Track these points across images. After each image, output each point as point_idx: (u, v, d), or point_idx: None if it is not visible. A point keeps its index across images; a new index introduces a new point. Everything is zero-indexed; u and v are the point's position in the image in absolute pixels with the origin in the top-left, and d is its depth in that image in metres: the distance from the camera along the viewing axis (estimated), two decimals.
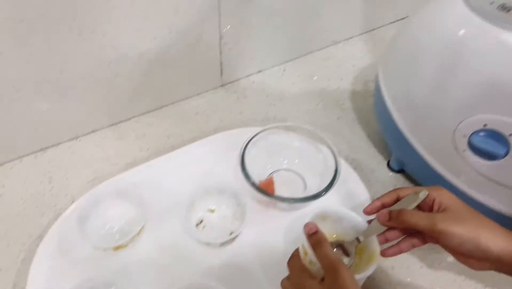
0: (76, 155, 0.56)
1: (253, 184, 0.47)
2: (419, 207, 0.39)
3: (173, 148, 0.55)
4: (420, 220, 0.37)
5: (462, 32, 0.43)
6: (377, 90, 0.54)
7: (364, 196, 0.50)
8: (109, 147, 0.57)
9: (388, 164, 0.57)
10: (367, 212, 0.41)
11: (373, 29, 0.78)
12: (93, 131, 0.58)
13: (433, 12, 0.47)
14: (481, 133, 0.42)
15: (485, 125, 0.42)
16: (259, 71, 0.69)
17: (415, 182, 0.55)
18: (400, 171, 0.56)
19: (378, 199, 0.41)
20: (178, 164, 0.52)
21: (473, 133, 0.42)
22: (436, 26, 0.46)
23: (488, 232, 0.35)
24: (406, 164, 0.54)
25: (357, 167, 0.56)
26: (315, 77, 0.69)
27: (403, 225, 0.38)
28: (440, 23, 0.45)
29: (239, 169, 0.48)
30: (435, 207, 0.38)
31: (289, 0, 0.62)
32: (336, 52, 0.74)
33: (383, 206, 0.41)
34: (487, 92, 0.41)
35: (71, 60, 0.49)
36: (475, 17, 0.42)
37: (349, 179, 0.52)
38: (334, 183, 0.47)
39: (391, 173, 0.56)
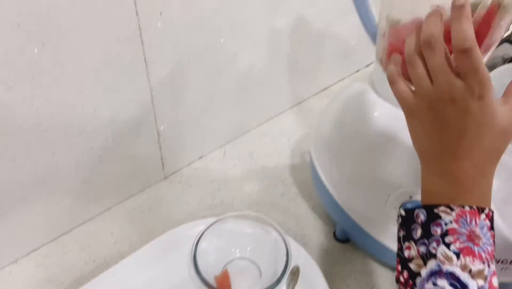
0: (18, 280, 0.53)
1: (208, 285, 0.47)
2: None
3: (121, 255, 0.54)
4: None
5: (375, 115, 0.48)
6: (312, 164, 0.58)
7: (319, 280, 0.51)
8: (52, 265, 0.55)
9: (334, 235, 0.60)
10: None
11: (301, 102, 0.84)
12: (33, 250, 0.56)
13: (348, 97, 0.52)
14: (408, 204, 0.46)
15: (410, 197, 0.46)
16: (200, 157, 0.71)
17: (362, 251, 0.57)
18: (347, 240, 0.59)
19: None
20: (127, 275, 0.51)
21: (401, 205, 0.46)
22: (351, 110, 0.51)
23: None
24: (350, 234, 0.57)
25: (306, 243, 0.58)
26: (255, 156, 0.72)
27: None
28: (354, 108, 0.50)
29: (192, 268, 0.48)
30: None
31: (219, 87, 0.65)
32: (271, 128, 0.78)
33: None
34: (409, 166, 0.45)
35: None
36: (383, 102, 0.48)
37: (300, 257, 0.53)
38: (288, 267, 0.49)
39: (338, 243, 0.59)
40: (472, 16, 0.36)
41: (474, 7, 0.38)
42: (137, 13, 0.49)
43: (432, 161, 0.37)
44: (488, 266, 0.32)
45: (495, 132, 0.34)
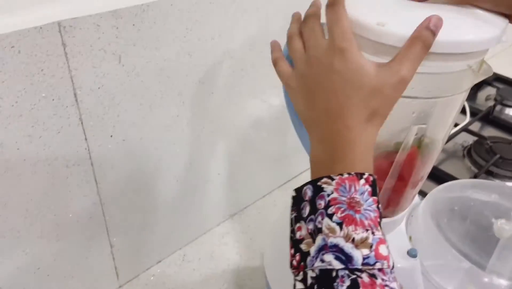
0: None
1: None
2: None
3: None
4: None
5: None
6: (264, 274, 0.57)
7: None
8: None
9: None
10: None
11: (265, 195, 0.84)
12: None
13: None
14: None
15: None
16: (159, 262, 0.70)
17: None
18: None
19: None
20: None
21: None
22: None
23: None
24: None
25: None
26: (215, 258, 0.71)
27: None
28: None
29: None
30: None
31: (176, 193, 0.65)
32: (233, 226, 0.78)
33: None
34: None
35: None
36: None
37: None
38: None
39: None
40: (395, 157, 0.38)
41: (397, 148, 0.40)
42: (86, 139, 0.50)
43: (311, 127, 0.36)
44: (373, 233, 0.30)
45: (364, 91, 0.33)
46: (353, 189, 0.31)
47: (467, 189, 0.52)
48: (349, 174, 0.31)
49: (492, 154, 0.91)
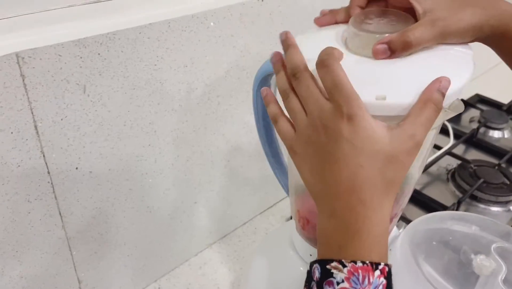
0: None
1: None
2: None
3: None
4: (425, 32, 0.33)
5: (296, 274, 0.46)
6: None
7: None
8: None
9: None
10: (320, 23, 0.38)
11: (245, 222, 0.81)
12: None
13: (269, 256, 0.51)
14: None
15: None
16: None
17: None
18: None
19: (331, 12, 0.37)
20: None
21: None
22: (272, 267, 0.49)
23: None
24: None
25: None
26: None
27: (409, 50, 0.33)
28: (275, 266, 0.49)
29: None
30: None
31: (151, 224, 0.63)
32: (211, 255, 0.75)
33: (336, 22, 0.38)
34: None
35: None
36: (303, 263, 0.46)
37: None
38: None
39: None
40: None
41: None
42: (48, 172, 0.47)
43: (320, 199, 0.32)
44: None
45: (378, 159, 0.30)
46: (366, 281, 0.28)
47: (447, 220, 0.51)
48: (363, 262, 0.29)
49: (476, 178, 0.90)
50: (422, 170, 0.41)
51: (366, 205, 0.30)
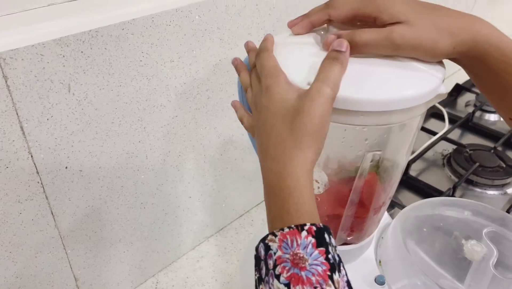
0: None
1: None
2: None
3: None
4: (375, 38, 0.34)
5: None
6: None
7: None
8: None
9: None
10: (292, 25, 0.40)
11: (242, 214, 0.82)
12: None
13: None
14: None
15: None
16: None
17: None
18: None
19: (306, 16, 0.39)
20: None
21: None
22: None
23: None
24: None
25: None
26: (190, 284, 0.69)
27: (357, 50, 0.35)
28: None
29: None
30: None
31: (144, 219, 0.63)
32: (209, 249, 0.75)
33: (313, 26, 0.39)
34: None
35: None
36: None
37: None
38: None
39: None
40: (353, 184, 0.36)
41: (355, 172, 0.38)
42: (38, 172, 0.47)
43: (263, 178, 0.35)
44: None
45: (287, 116, 0.32)
46: (295, 244, 0.29)
47: (439, 206, 0.51)
48: (289, 227, 0.29)
49: (472, 162, 0.90)
50: (408, 158, 0.41)
51: (276, 160, 0.32)
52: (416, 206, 0.50)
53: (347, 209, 0.38)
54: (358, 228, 0.41)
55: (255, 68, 0.38)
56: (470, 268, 0.44)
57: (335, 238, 0.42)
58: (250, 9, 0.60)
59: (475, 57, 0.35)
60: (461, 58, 0.36)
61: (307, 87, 0.32)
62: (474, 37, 0.35)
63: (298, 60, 0.35)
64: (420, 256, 0.45)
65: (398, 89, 0.32)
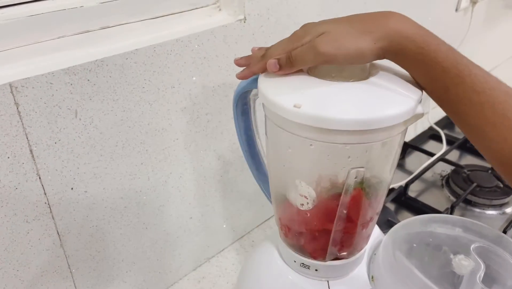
0: None
1: None
2: None
3: None
4: (304, 53, 0.39)
5: (282, 281, 0.48)
6: None
7: None
8: None
9: None
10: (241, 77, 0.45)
11: (243, 236, 0.83)
12: None
13: (258, 265, 0.53)
14: None
15: None
16: None
17: None
18: None
19: (248, 67, 0.44)
20: None
21: None
22: (264, 277, 0.51)
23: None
24: None
25: None
26: None
27: (294, 69, 0.40)
28: (265, 276, 0.50)
29: None
30: None
31: (147, 240, 0.65)
32: (210, 270, 0.77)
33: (254, 74, 0.44)
34: None
35: None
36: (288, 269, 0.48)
37: None
38: None
39: None
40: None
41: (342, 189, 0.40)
42: (45, 193, 0.50)
43: None
44: None
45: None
46: None
47: (430, 223, 0.52)
48: None
49: (470, 183, 0.92)
50: (392, 174, 0.43)
51: None
52: (407, 223, 0.52)
53: (336, 224, 0.40)
54: (348, 242, 0.43)
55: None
56: (460, 282, 0.46)
57: (325, 254, 0.44)
58: (247, 38, 0.64)
59: (396, 52, 0.38)
60: (386, 55, 0.39)
61: (294, 109, 0.35)
62: (389, 32, 0.37)
63: (285, 84, 0.38)
64: (411, 270, 0.46)
65: (378, 109, 0.35)
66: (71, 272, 0.57)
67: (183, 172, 0.65)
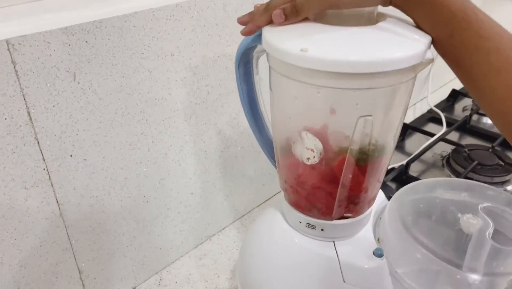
0: None
1: None
2: None
3: None
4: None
5: (287, 244, 0.47)
6: None
7: None
8: None
9: None
10: (241, 23, 0.44)
11: (243, 215, 0.82)
12: None
13: (262, 229, 0.52)
14: None
15: None
16: (133, 288, 0.67)
17: None
18: None
19: (251, 21, 0.43)
20: None
21: None
22: (266, 241, 0.50)
23: None
24: None
25: None
26: (193, 281, 0.69)
27: (300, 17, 0.39)
28: (269, 238, 0.50)
29: None
30: None
31: (148, 213, 0.64)
32: (211, 247, 0.76)
33: (259, 28, 0.42)
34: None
35: None
36: (293, 231, 0.47)
37: None
38: None
39: None
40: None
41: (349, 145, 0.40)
42: (43, 159, 0.49)
43: None
44: None
45: None
46: None
47: (436, 188, 0.52)
48: None
49: (470, 161, 0.91)
50: (398, 132, 0.42)
51: None
52: (412, 187, 0.51)
53: (343, 178, 0.40)
54: (355, 199, 0.42)
55: None
56: (468, 241, 0.45)
57: (332, 212, 0.43)
58: (247, 8, 0.63)
59: None
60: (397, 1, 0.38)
61: (301, 53, 0.34)
62: None
63: (291, 32, 0.37)
64: (418, 234, 0.45)
65: (388, 51, 0.34)
66: (71, 243, 0.56)
67: (184, 145, 0.64)
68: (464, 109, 1.19)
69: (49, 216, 0.52)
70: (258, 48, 0.43)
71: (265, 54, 0.42)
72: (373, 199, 0.44)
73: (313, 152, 0.39)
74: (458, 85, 1.23)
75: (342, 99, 0.36)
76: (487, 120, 1.12)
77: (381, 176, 0.43)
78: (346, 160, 0.39)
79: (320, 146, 0.38)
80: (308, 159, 0.39)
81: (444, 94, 1.22)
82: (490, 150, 0.95)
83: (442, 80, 1.28)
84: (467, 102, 1.21)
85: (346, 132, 0.38)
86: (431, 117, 1.14)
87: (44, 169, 0.49)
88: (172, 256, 0.72)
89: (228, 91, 0.67)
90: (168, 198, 0.66)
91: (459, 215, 0.45)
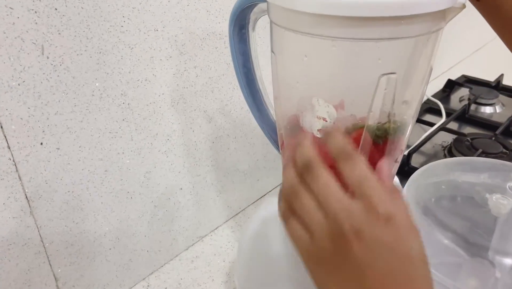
0: None
1: None
2: None
3: None
4: None
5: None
6: None
7: None
8: None
9: None
10: None
11: (238, 213, 0.76)
12: None
13: (260, 222, 0.46)
14: None
15: None
16: None
17: None
18: None
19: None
20: None
21: None
22: (264, 235, 0.44)
23: None
24: None
25: None
26: (184, 286, 0.62)
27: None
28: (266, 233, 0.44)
29: None
30: None
31: (133, 212, 0.57)
32: (203, 248, 0.69)
33: None
34: None
35: None
36: None
37: None
38: None
39: None
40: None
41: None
42: (9, 146, 0.42)
43: None
44: None
45: (412, 260, 0.25)
46: None
47: (454, 170, 0.46)
48: None
49: (474, 150, 0.87)
50: (416, 118, 0.37)
51: None
52: (427, 169, 0.46)
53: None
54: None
55: (318, 165, 0.28)
56: (495, 223, 0.40)
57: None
58: None
59: None
60: None
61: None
62: None
63: None
64: (441, 217, 0.40)
65: None
66: (44, 246, 0.49)
67: (171, 134, 0.58)
68: (461, 100, 1.15)
69: (17, 214, 0.45)
70: (256, 9, 0.38)
71: (264, 18, 0.37)
72: (393, 175, 0.39)
73: (326, 120, 0.33)
74: (453, 75, 1.19)
75: (362, 53, 0.30)
76: (486, 110, 1.09)
77: (399, 155, 0.38)
78: (362, 136, 0.34)
79: (334, 113, 0.32)
80: (320, 130, 0.34)
81: (439, 84, 1.18)
82: (493, 138, 0.91)
83: (438, 70, 1.25)
84: (463, 92, 1.17)
85: (366, 93, 0.32)
86: (428, 108, 1.10)
87: (10, 159, 0.43)
88: (161, 259, 0.65)
89: (218, 74, 0.61)
90: (155, 194, 0.60)
91: (487, 195, 0.40)
